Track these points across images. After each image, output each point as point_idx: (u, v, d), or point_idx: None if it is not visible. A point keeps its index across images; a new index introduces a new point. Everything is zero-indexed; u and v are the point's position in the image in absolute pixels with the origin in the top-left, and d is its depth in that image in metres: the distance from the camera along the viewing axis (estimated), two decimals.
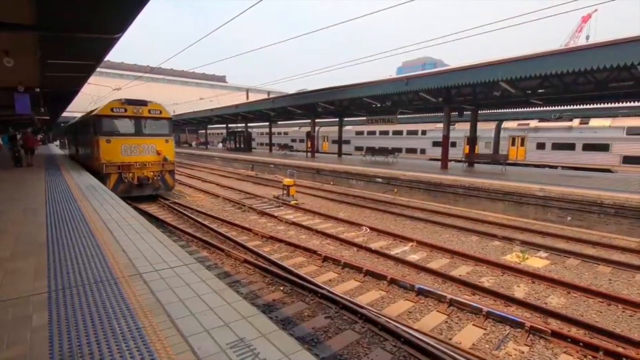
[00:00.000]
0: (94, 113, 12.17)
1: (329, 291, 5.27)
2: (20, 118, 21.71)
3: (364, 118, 22.91)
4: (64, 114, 29.70)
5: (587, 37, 53.02)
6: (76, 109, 26.12)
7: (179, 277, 3.54)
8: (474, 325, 4.64)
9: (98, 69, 10.59)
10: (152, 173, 12.60)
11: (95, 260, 3.95)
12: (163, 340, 2.43)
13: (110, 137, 11.79)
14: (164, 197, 13.07)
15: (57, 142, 56.19)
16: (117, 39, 6.91)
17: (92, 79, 12.22)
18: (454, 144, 24.82)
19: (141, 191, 12.39)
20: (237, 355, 2.27)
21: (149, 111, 12.51)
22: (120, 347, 2.35)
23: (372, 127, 31.65)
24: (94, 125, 12.08)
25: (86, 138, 14.68)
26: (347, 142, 34.53)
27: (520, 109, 19.43)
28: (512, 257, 7.25)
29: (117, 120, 12.02)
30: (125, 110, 12.05)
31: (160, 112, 12.83)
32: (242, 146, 37.20)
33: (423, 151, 29.00)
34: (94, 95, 28.55)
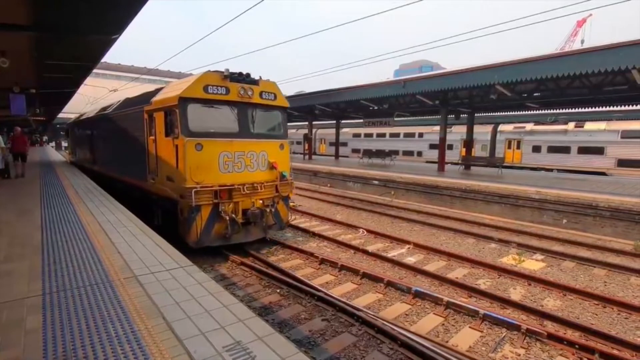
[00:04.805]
0: (176, 94, 6.57)
1: (326, 294, 5.27)
2: (15, 119, 21.57)
3: (361, 120, 22.99)
4: (60, 115, 29.57)
5: (582, 41, 53.45)
6: (72, 110, 25.95)
7: (174, 280, 3.52)
8: (470, 327, 4.64)
9: (95, 70, 10.56)
10: (261, 202, 7.31)
11: (91, 263, 3.93)
12: (159, 343, 2.41)
13: (203, 139, 6.58)
14: None
15: (53, 144, 55.69)
16: (114, 40, 6.91)
17: (89, 80, 12.16)
18: (450, 147, 24.94)
19: (247, 235, 7.28)
20: (234, 358, 2.26)
21: (261, 94, 7.33)
22: (115, 350, 2.33)
23: (369, 130, 31.69)
24: (168, 117, 6.90)
25: (129, 141, 9.07)
26: (344, 144, 34.58)
27: (516, 112, 19.61)
28: (508, 260, 7.27)
29: (215, 108, 6.84)
30: (227, 92, 6.81)
31: (275, 97, 7.62)
32: None
33: (420, 154, 29.11)
34: (90, 96, 28.41)
